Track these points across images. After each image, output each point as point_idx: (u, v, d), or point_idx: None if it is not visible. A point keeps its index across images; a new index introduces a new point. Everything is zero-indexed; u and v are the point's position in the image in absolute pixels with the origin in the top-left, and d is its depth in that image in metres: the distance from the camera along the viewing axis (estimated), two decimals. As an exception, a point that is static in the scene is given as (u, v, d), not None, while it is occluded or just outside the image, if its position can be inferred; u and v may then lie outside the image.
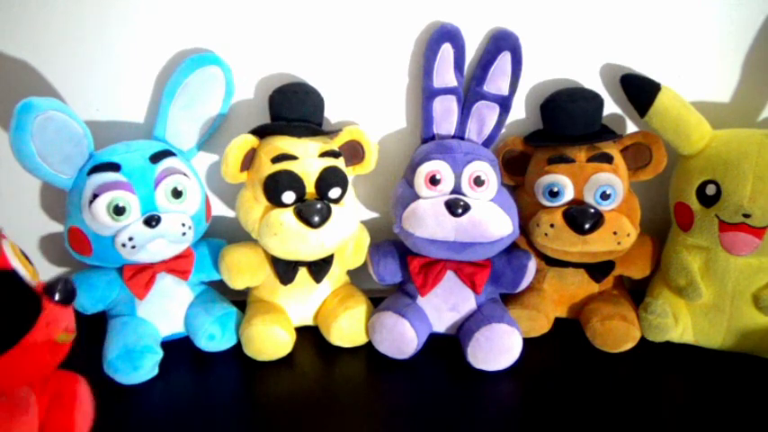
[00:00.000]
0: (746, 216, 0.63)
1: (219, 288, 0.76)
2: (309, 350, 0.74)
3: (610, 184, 0.69)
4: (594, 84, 0.75)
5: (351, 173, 0.75)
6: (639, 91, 0.69)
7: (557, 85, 0.74)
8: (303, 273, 0.73)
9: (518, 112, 0.77)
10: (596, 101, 0.72)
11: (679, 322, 0.71)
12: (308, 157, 0.68)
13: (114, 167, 0.65)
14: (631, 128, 0.77)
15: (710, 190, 0.65)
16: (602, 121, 0.74)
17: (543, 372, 0.70)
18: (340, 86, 0.74)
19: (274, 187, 0.66)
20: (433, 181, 0.69)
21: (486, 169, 0.70)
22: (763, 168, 0.63)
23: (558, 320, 0.77)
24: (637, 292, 0.77)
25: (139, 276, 0.69)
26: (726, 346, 0.71)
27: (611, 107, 0.76)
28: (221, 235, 0.78)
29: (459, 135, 0.75)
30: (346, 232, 0.69)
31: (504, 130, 0.76)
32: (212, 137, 0.75)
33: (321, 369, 0.72)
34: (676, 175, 0.71)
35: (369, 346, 0.73)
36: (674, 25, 0.72)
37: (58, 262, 0.82)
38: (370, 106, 0.76)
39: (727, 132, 0.67)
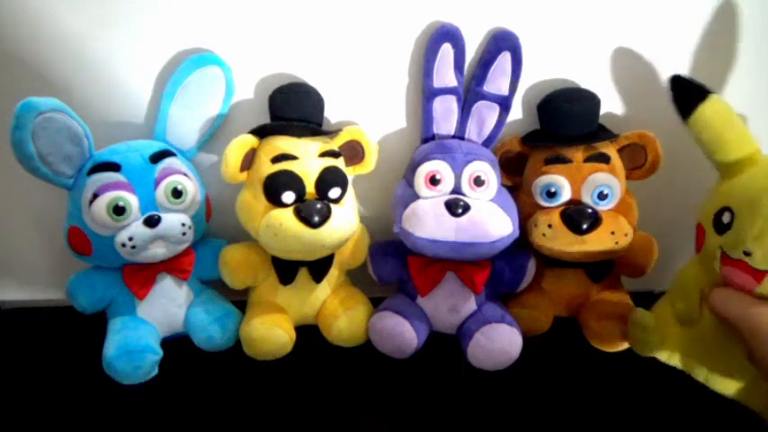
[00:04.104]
0: (747, 254, 0.56)
1: (219, 288, 0.76)
2: (309, 350, 0.74)
3: (607, 184, 0.69)
4: (594, 84, 0.75)
5: (351, 173, 0.75)
6: (686, 95, 0.62)
7: (553, 85, 0.74)
8: (303, 273, 0.73)
9: (515, 112, 0.77)
10: (593, 101, 0.72)
11: (667, 344, 0.66)
12: (307, 157, 0.68)
13: (114, 167, 0.65)
14: (631, 128, 0.77)
15: (726, 218, 0.59)
16: (600, 120, 0.74)
17: (543, 371, 0.70)
18: (340, 86, 0.74)
19: (274, 187, 0.66)
20: (433, 181, 0.69)
21: (486, 169, 0.70)
22: None
23: (557, 319, 0.77)
24: (636, 292, 0.77)
25: (139, 276, 0.69)
26: (710, 382, 0.64)
27: (608, 107, 0.76)
28: (221, 235, 0.78)
29: (460, 135, 0.75)
30: (346, 232, 0.70)
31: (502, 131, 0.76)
32: (212, 137, 0.75)
33: (321, 369, 0.72)
34: (709, 194, 0.64)
35: (369, 346, 0.73)
36: (674, 25, 0.72)
37: (58, 262, 0.82)
38: (370, 106, 0.76)
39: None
